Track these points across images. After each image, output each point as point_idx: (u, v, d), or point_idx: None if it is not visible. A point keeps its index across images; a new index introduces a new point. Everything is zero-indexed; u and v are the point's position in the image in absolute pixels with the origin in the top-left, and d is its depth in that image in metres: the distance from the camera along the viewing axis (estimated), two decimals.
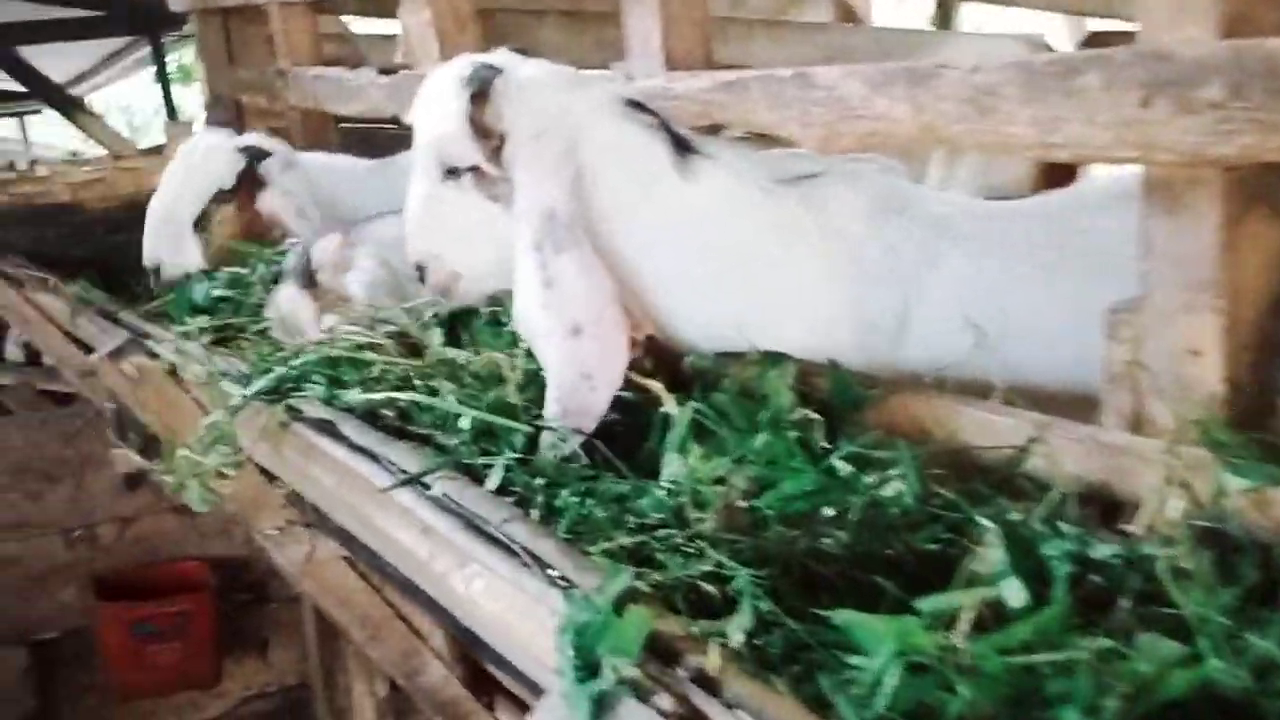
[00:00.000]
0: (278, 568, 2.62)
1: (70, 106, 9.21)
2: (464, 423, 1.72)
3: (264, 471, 2.16)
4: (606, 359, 1.70)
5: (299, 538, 2.38)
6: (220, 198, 2.97)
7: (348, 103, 2.95)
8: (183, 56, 11.01)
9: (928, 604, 1.07)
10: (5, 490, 4.63)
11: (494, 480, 1.54)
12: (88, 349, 2.86)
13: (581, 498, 1.51)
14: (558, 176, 1.73)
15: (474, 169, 1.82)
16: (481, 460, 1.62)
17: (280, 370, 1.94)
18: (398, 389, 1.83)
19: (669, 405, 1.62)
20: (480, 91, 1.78)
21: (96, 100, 11.10)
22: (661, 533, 1.40)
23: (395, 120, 2.80)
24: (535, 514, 1.50)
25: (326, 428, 1.80)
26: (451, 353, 1.88)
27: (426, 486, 1.52)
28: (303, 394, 1.91)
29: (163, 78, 8.55)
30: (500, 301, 2.08)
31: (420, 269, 1.92)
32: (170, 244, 3.01)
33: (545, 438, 1.67)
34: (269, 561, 3.00)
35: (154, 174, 4.09)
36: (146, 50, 8.85)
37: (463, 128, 1.79)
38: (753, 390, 1.69)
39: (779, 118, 1.70)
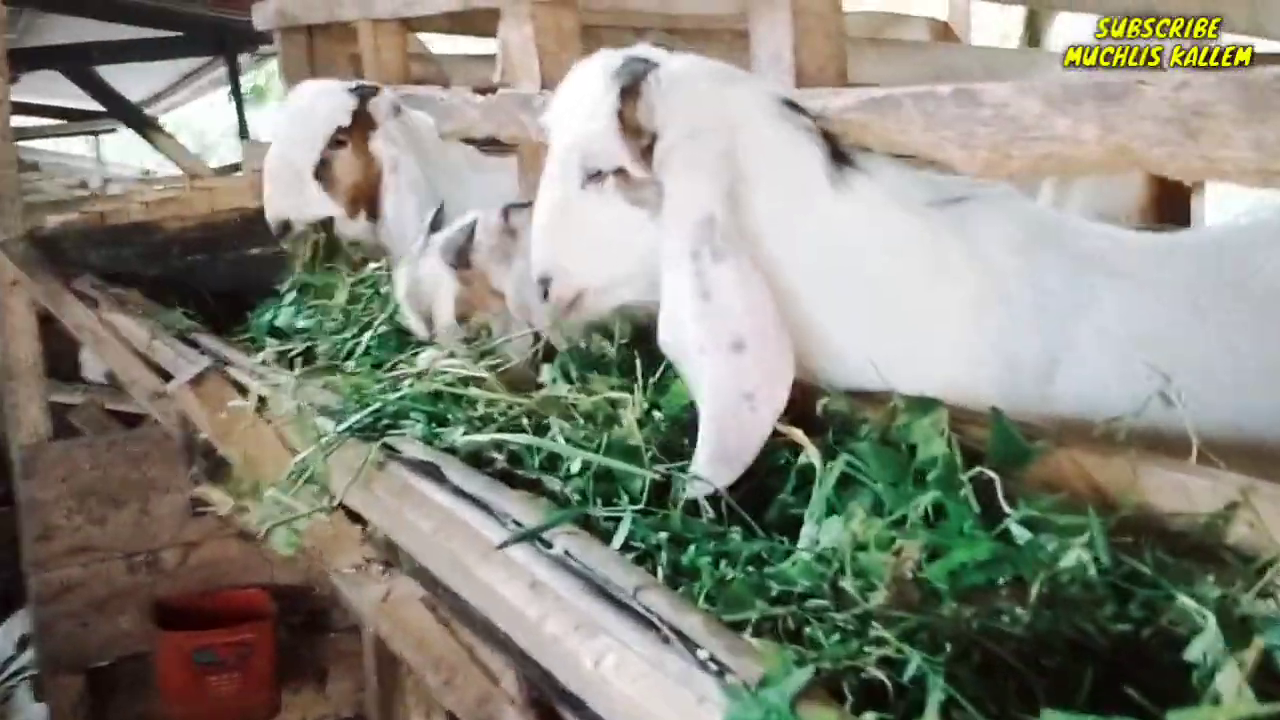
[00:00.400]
0: (349, 605, 2.50)
1: (147, 126, 9.27)
2: (575, 466, 1.57)
3: (347, 511, 2.02)
4: (771, 377, 1.53)
5: (376, 577, 2.25)
6: (337, 142, 2.84)
7: (441, 122, 2.82)
8: (256, 77, 11.10)
9: (1178, 718, 0.89)
10: (71, 514, 4.55)
11: (619, 537, 1.38)
12: (161, 372, 2.75)
13: (715, 559, 1.35)
14: (716, 180, 1.58)
15: (619, 171, 1.66)
16: (600, 511, 1.46)
17: (376, 405, 1.80)
18: (503, 429, 1.68)
19: (812, 455, 1.45)
20: (631, 86, 1.63)
21: (167, 120, 11.18)
22: (812, 603, 1.24)
23: (492, 140, 2.69)
24: (660, 573, 1.35)
25: (427, 469, 1.65)
26: (562, 389, 1.72)
27: (547, 545, 1.36)
28: (400, 431, 1.77)
29: (237, 97, 8.60)
30: (609, 333, 1.94)
31: (544, 282, 1.76)
32: (294, 195, 2.87)
33: (690, 486, 1.50)
34: (330, 590, 2.88)
35: (228, 194, 4.04)
36: (220, 70, 8.90)
37: (611, 125, 1.63)
38: (896, 439, 1.53)
39: (935, 139, 1.54)
